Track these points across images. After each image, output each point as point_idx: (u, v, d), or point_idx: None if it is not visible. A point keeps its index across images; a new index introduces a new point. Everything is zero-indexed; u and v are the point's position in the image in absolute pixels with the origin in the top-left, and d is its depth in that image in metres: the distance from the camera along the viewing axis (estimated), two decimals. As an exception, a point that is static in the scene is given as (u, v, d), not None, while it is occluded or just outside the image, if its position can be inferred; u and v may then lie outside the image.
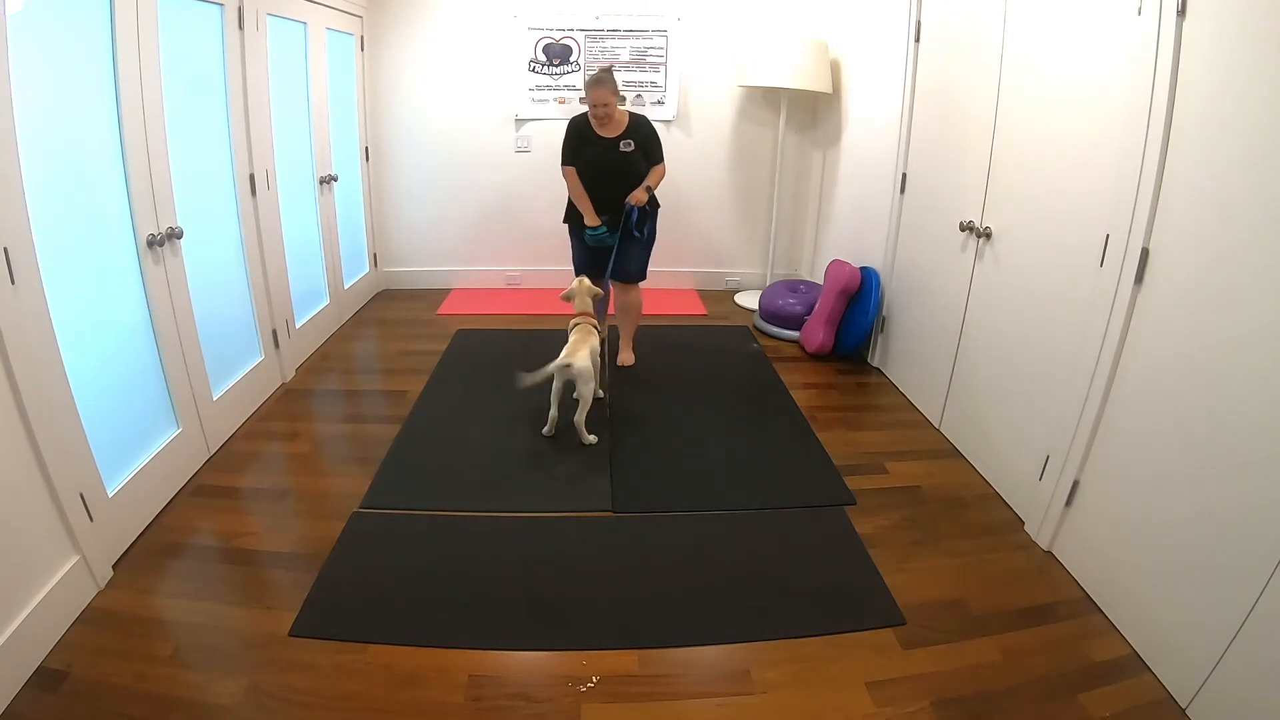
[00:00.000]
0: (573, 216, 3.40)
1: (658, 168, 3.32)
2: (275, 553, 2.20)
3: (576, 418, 2.78)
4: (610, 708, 1.68)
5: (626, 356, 3.61)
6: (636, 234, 3.30)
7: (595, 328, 3.01)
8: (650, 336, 3.77)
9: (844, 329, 3.72)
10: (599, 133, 3.21)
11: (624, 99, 3.09)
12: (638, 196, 3.22)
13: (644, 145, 3.24)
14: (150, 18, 2.25)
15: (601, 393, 3.12)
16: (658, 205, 3.41)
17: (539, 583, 2.08)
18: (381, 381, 3.59)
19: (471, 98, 4.54)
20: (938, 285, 3.06)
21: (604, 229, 3.28)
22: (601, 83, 3.06)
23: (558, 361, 2.75)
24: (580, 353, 2.79)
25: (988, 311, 2.69)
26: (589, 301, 3.09)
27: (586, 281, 3.16)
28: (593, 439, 2.80)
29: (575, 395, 2.78)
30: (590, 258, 3.45)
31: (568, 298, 3.13)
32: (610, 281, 3.42)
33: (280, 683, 1.71)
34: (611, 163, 3.23)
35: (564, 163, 3.32)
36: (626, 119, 3.24)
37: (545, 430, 2.85)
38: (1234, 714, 1.56)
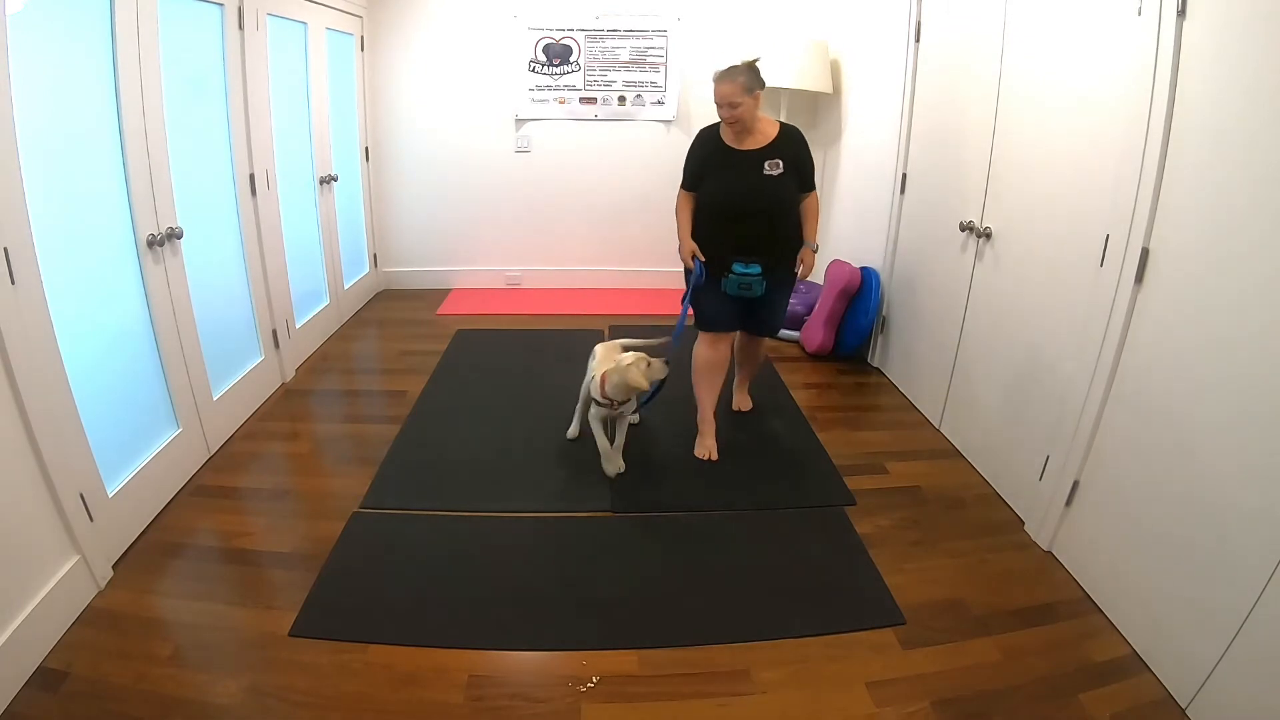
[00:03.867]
0: (712, 257, 2.58)
1: (811, 204, 2.58)
2: (275, 553, 2.20)
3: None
4: (610, 708, 1.68)
5: (744, 399, 3.09)
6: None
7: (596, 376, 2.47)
8: (650, 337, 3.76)
9: (844, 329, 3.72)
10: (733, 145, 2.51)
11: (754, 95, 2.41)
12: (811, 266, 2.59)
13: (795, 166, 2.50)
14: (150, 18, 2.24)
15: (638, 418, 2.86)
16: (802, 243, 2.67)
17: (539, 583, 2.08)
18: (381, 381, 3.59)
19: (471, 98, 4.54)
20: (938, 285, 3.06)
21: (758, 269, 2.51)
22: (730, 72, 2.37)
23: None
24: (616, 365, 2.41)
25: (988, 311, 2.68)
26: (621, 386, 2.39)
27: (633, 367, 2.37)
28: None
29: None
30: (732, 309, 2.64)
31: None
32: (744, 333, 2.85)
33: (280, 683, 1.71)
34: (750, 190, 2.48)
35: (682, 186, 2.62)
36: (776, 129, 2.50)
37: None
38: (1234, 714, 1.56)
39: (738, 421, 3.07)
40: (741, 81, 2.37)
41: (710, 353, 2.71)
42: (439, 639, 1.86)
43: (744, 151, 2.50)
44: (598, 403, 2.48)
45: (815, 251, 2.65)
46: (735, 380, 3.12)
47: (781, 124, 2.56)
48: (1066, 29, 2.22)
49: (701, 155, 2.57)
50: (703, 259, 2.59)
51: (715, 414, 2.78)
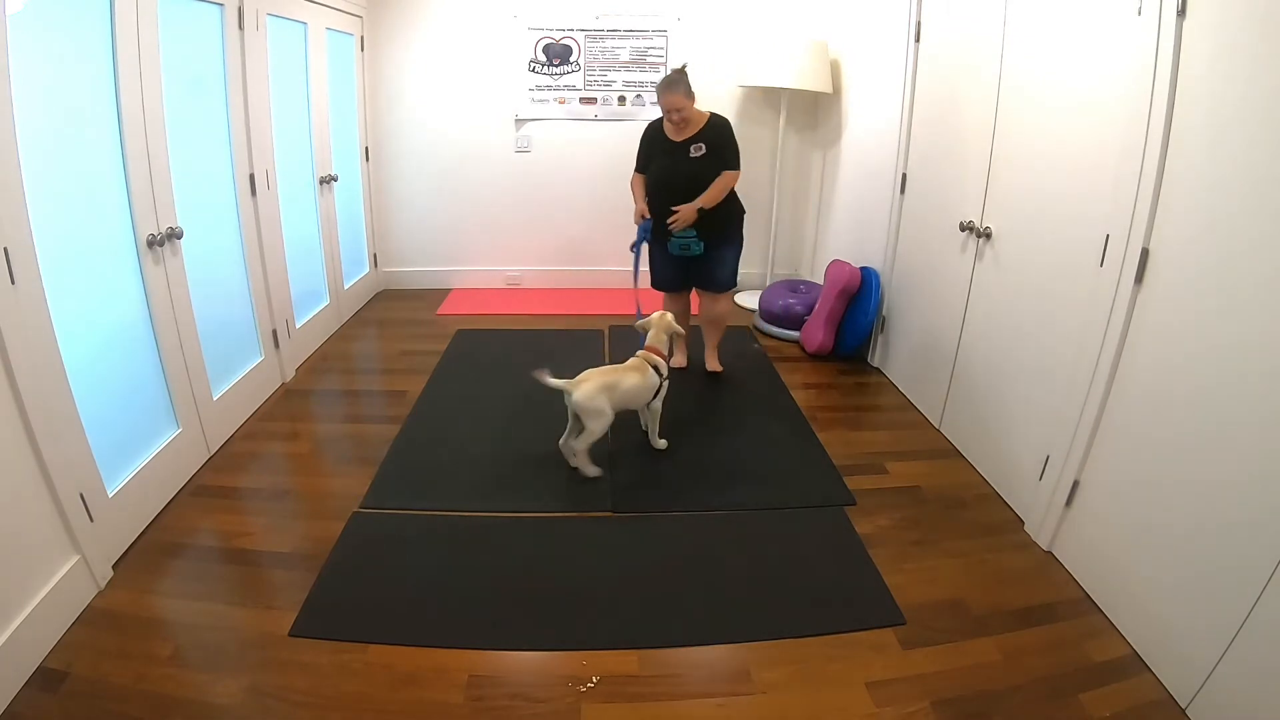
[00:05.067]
0: (658, 226, 3.16)
1: (721, 178, 3.02)
2: (275, 553, 2.20)
3: (578, 446, 2.53)
4: (610, 708, 1.68)
5: (714, 363, 3.49)
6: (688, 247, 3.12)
7: (655, 366, 2.67)
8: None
9: (844, 329, 3.72)
10: (670, 137, 3.06)
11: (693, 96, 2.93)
12: (685, 216, 2.98)
13: (716, 149, 3.02)
14: (150, 18, 2.25)
15: (662, 443, 2.79)
16: (743, 211, 3.23)
17: (539, 583, 2.08)
18: (381, 381, 3.59)
19: (471, 98, 4.54)
20: (938, 285, 3.06)
21: (694, 232, 3.07)
22: (673, 85, 2.90)
23: (564, 384, 2.48)
24: (588, 385, 2.47)
25: (988, 311, 2.68)
26: (664, 339, 2.76)
27: (670, 317, 2.80)
28: (595, 471, 2.55)
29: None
30: (676, 268, 3.26)
31: (643, 328, 2.81)
32: (697, 291, 3.35)
33: (280, 683, 1.72)
34: (677, 169, 3.03)
35: (635, 169, 3.21)
36: (705, 120, 3.03)
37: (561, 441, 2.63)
38: (1234, 714, 1.56)
39: (738, 421, 3.07)
40: (682, 90, 2.91)
41: (668, 306, 3.39)
42: (439, 639, 1.86)
43: (678, 141, 3.05)
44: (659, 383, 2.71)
45: (697, 210, 3.01)
46: (705, 351, 3.51)
47: (711, 115, 3.06)
48: (1066, 29, 2.22)
49: (648, 144, 3.17)
50: (649, 216, 3.13)
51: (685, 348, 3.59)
